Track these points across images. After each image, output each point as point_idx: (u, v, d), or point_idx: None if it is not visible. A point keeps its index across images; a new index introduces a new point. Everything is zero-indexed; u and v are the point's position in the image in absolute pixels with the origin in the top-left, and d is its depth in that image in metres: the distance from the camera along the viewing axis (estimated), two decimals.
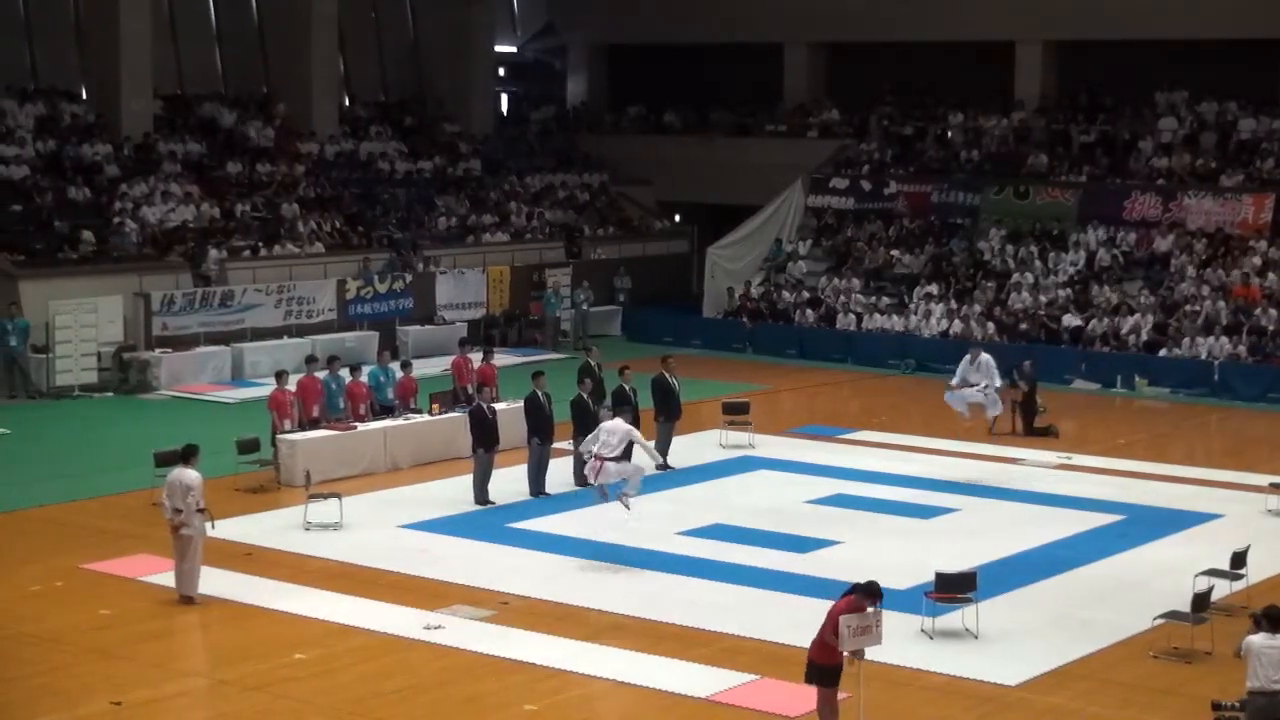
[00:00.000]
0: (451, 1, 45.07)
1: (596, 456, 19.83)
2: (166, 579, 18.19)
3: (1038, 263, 36.89)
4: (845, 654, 13.55)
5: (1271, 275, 34.35)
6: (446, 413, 25.15)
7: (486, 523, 21.59)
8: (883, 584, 18.49)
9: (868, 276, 38.51)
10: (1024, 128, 40.69)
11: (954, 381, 25.58)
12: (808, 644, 16.48)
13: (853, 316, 37.13)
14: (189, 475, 17.78)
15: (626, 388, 23.94)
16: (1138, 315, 34.15)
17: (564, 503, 22.46)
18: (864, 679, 13.83)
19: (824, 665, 13.68)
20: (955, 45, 41.90)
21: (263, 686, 15.42)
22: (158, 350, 31.77)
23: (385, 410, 25.39)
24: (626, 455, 20.05)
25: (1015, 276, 36.52)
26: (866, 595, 13.74)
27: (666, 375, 25.06)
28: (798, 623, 17.28)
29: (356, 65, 45.29)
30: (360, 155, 40.86)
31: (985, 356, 25.21)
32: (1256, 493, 23.19)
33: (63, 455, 25.90)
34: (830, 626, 13.61)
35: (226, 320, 33.08)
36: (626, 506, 20.07)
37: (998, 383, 25.36)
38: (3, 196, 33.28)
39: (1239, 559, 18.12)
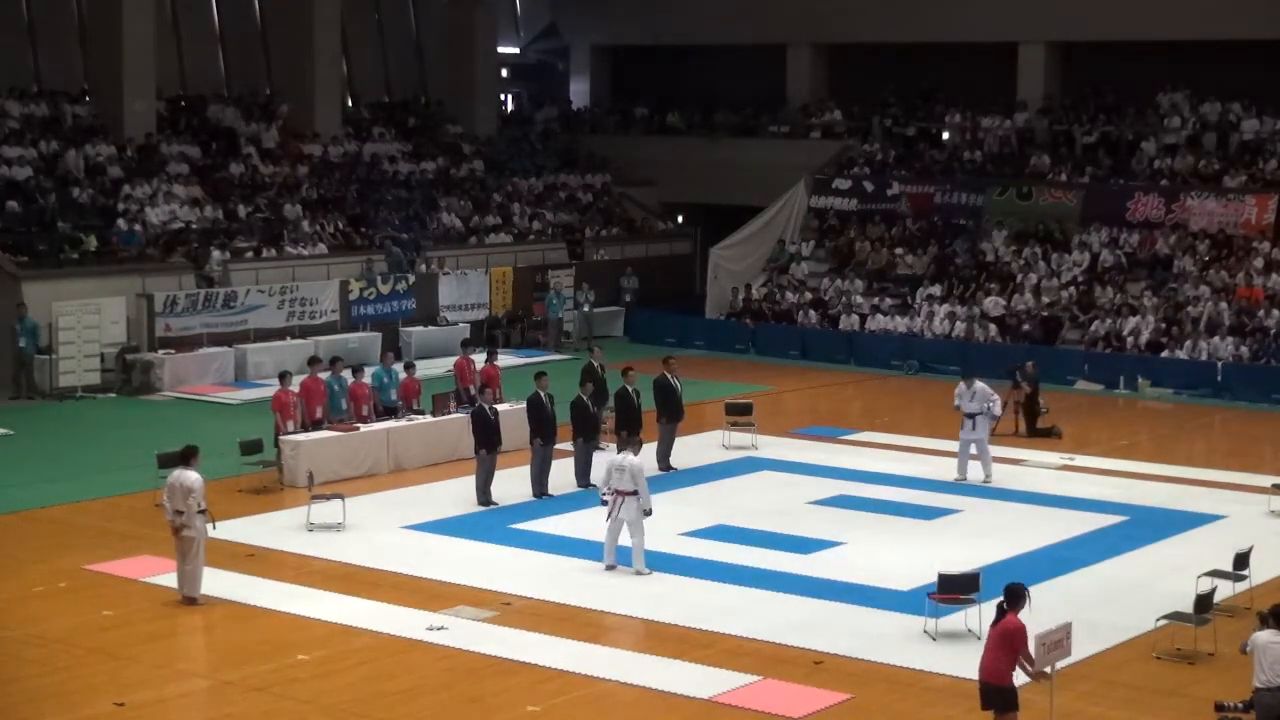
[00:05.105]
0: (454, 3, 45.10)
1: (617, 492, 19.06)
2: (169, 580, 18.21)
3: (1041, 264, 36.88)
4: (1033, 671, 13.56)
5: (1275, 276, 34.32)
6: (449, 414, 25.17)
7: (489, 524, 21.59)
8: (885, 585, 18.72)
9: (870, 277, 38.49)
10: (1027, 128, 40.67)
11: (955, 403, 24.73)
12: (810, 645, 16.60)
13: (855, 317, 37.11)
14: (189, 477, 17.76)
15: (629, 389, 23.95)
16: (1140, 316, 34.14)
17: (566, 504, 22.43)
18: (1053, 690, 13.97)
19: (1001, 687, 13.45)
20: (958, 46, 41.91)
21: (265, 687, 15.42)
22: (161, 351, 31.76)
23: (388, 411, 25.41)
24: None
25: (1019, 277, 36.51)
26: (1017, 602, 13.59)
27: (668, 376, 25.02)
28: (800, 624, 17.34)
29: (359, 66, 45.30)
30: (363, 156, 40.85)
31: (980, 385, 24.37)
32: (1259, 494, 23.16)
33: (66, 456, 25.89)
34: (999, 646, 13.40)
35: (229, 321, 33.07)
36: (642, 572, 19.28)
37: (998, 411, 24.92)
38: (5, 197, 33.29)
39: (1242, 560, 18.11)
